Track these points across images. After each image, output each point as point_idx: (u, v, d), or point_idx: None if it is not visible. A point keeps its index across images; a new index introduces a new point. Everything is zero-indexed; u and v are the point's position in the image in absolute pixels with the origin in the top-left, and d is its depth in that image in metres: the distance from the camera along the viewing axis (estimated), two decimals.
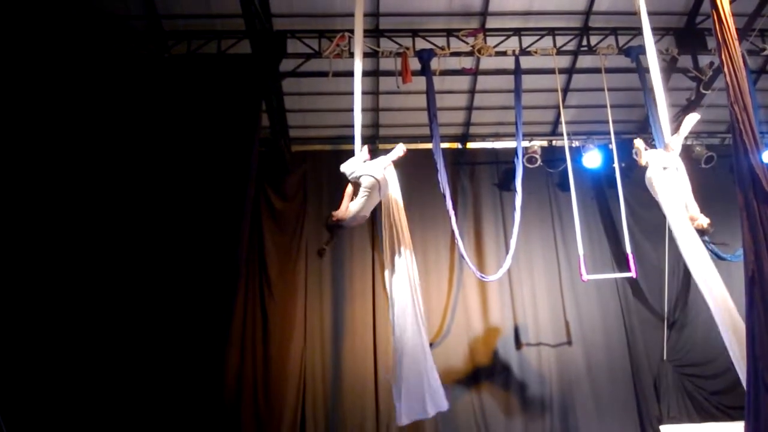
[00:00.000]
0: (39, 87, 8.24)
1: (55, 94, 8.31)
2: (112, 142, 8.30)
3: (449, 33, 9.04)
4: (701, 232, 6.61)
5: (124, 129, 8.36)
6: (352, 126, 6.47)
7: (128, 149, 8.29)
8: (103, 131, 8.32)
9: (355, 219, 6.15)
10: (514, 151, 8.73)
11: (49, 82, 8.32)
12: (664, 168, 6.58)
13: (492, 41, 9.05)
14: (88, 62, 8.58)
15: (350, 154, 9.95)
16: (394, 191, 6.60)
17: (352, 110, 6.47)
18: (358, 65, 6.58)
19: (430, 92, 8.38)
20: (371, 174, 6.16)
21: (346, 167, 6.26)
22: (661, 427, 9.52)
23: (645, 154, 6.84)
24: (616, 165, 9.04)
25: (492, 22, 9.17)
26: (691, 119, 6.99)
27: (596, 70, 9.32)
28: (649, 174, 6.73)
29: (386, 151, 10.17)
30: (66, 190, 8.06)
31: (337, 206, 6.18)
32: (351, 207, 6.09)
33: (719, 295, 6.08)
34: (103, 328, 7.64)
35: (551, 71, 9.25)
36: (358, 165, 6.22)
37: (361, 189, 6.12)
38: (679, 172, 6.65)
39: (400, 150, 6.49)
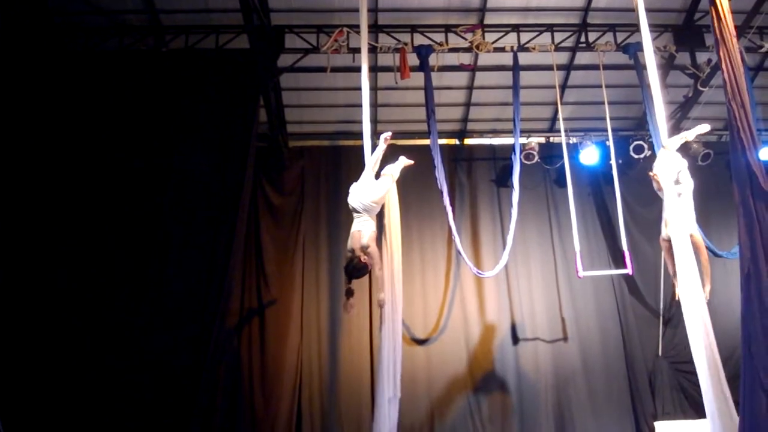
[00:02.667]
0: (35, 81, 8.21)
1: (52, 88, 8.30)
2: (109, 136, 8.29)
3: (448, 29, 9.03)
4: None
5: (121, 123, 8.35)
6: (356, 121, 6.43)
7: (126, 143, 8.29)
8: (101, 126, 8.32)
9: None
10: (512, 147, 8.75)
11: (45, 77, 8.30)
12: (679, 171, 6.21)
13: (490, 37, 9.04)
14: (86, 56, 8.57)
15: (348, 149, 10.08)
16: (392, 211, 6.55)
17: (355, 105, 6.43)
18: (365, 64, 6.48)
19: (428, 88, 8.38)
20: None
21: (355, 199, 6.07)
22: (656, 423, 9.54)
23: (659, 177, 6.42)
24: (613, 162, 9.05)
25: (490, 18, 9.16)
26: (702, 129, 6.74)
27: (594, 67, 9.31)
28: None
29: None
30: (63, 186, 8.05)
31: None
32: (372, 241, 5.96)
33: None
34: (98, 326, 7.63)
35: (549, 68, 9.25)
36: (363, 195, 6.02)
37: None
38: (684, 176, 6.30)
39: (402, 161, 6.45)
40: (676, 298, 6.46)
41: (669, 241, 6.28)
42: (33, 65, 8.22)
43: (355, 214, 6.04)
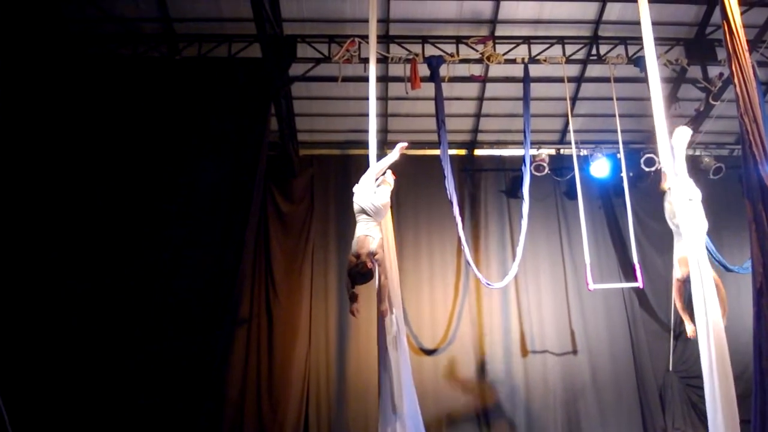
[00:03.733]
0: (48, 87, 8.31)
1: (66, 94, 8.38)
2: (121, 143, 8.37)
3: (459, 40, 9.06)
4: None
5: (133, 130, 8.43)
6: (366, 131, 6.37)
7: (138, 151, 8.36)
8: (113, 133, 8.39)
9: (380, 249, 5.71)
10: (522, 158, 8.74)
11: (58, 83, 8.39)
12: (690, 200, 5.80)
13: (501, 49, 9.06)
14: (99, 63, 8.66)
15: (358, 158, 10.10)
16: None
17: (366, 115, 6.41)
18: (372, 71, 6.48)
19: (438, 99, 8.40)
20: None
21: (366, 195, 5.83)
22: None
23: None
24: (624, 174, 9.02)
25: (501, 30, 9.19)
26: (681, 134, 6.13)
27: (605, 80, 9.31)
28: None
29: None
30: (74, 190, 8.11)
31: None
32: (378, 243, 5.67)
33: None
34: (106, 331, 7.66)
35: (560, 80, 9.25)
36: (372, 197, 5.77)
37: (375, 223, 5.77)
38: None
39: (390, 173, 6.17)
40: (689, 335, 6.30)
41: (682, 281, 6.12)
42: (46, 71, 8.32)
43: (361, 217, 5.77)
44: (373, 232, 5.73)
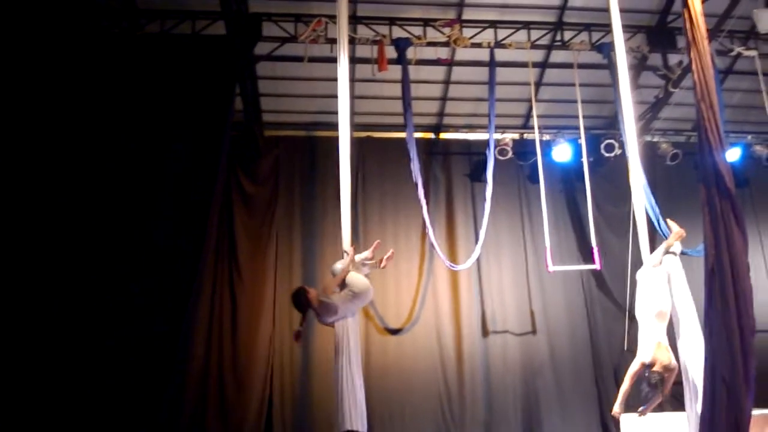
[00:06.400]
0: (3, 64, 7.98)
1: (21, 71, 8.06)
2: (79, 121, 8.11)
3: (426, 23, 9.07)
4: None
5: (92, 109, 8.17)
6: (332, 112, 6.36)
7: (97, 129, 8.12)
8: (72, 110, 8.13)
9: (329, 312, 5.82)
10: (487, 142, 8.85)
11: (14, 59, 8.07)
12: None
13: (468, 32, 9.10)
14: (58, 38, 8.36)
15: (324, 140, 10.06)
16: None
17: (335, 96, 6.36)
18: (343, 55, 6.44)
19: (405, 81, 8.44)
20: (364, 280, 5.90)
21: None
22: (621, 416, 9.76)
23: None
24: (584, 159, 9.20)
25: (468, 14, 9.22)
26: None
27: (569, 66, 9.45)
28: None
29: (359, 140, 10.19)
30: (30, 171, 7.81)
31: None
32: (332, 297, 5.77)
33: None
34: (69, 312, 7.49)
35: (525, 65, 9.35)
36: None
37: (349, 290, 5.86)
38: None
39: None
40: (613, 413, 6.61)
41: (646, 366, 6.46)
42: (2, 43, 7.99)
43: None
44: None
